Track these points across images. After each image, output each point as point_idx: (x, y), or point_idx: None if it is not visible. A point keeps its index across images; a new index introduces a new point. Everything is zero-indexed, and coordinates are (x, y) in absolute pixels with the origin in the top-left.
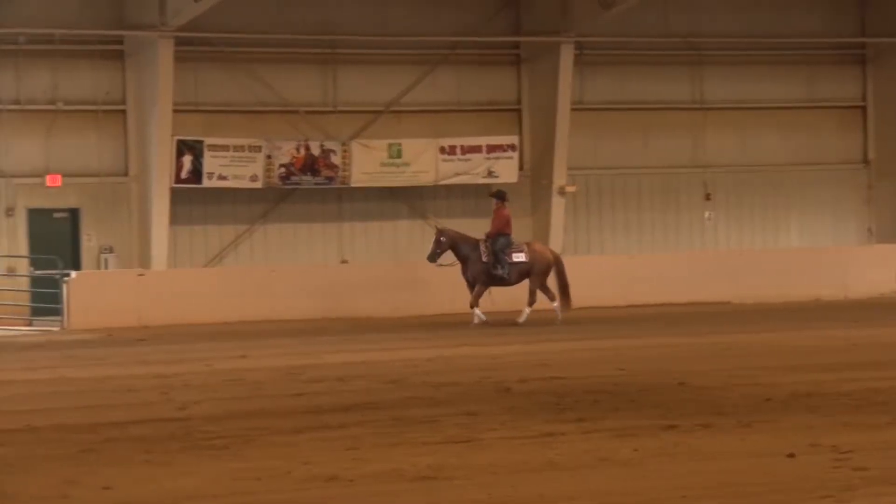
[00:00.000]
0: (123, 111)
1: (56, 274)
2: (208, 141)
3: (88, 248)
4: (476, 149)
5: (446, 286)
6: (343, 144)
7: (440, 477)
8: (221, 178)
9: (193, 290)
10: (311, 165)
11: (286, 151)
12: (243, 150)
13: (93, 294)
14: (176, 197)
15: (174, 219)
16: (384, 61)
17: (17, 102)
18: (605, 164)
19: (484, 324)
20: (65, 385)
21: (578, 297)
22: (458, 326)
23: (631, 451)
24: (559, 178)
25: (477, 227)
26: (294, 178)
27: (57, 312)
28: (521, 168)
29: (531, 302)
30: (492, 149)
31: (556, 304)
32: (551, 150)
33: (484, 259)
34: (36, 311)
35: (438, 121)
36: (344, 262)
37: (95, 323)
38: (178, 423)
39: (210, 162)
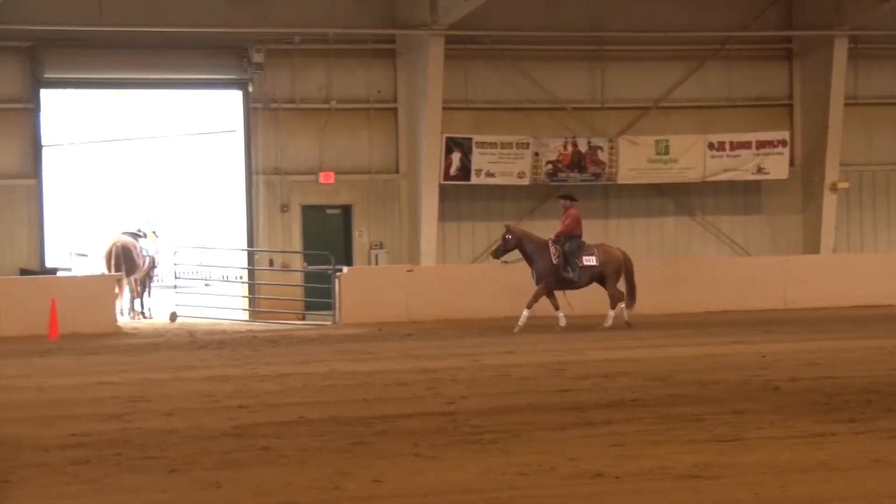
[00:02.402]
0: (394, 109)
1: (328, 269)
2: (477, 138)
3: (360, 244)
4: (745, 145)
5: (713, 283)
6: (610, 141)
7: (706, 476)
8: (489, 175)
9: (461, 285)
10: (578, 162)
11: (553, 148)
12: (511, 147)
13: (363, 289)
14: (444, 193)
15: (442, 215)
16: (652, 57)
17: (292, 101)
18: (880, 160)
19: (524, 329)
20: (337, 378)
21: (851, 295)
22: (726, 324)
23: None
24: (831, 174)
25: (746, 225)
26: (561, 175)
27: (329, 307)
28: (791, 164)
29: (614, 305)
30: (761, 145)
31: (622, 305)
32: (823, 145)
33: (554, 261)
34: (309, 306)
35: (707, 117)
36: None
37: (366, 317)
38: (446, 418)
39: (478, 159)
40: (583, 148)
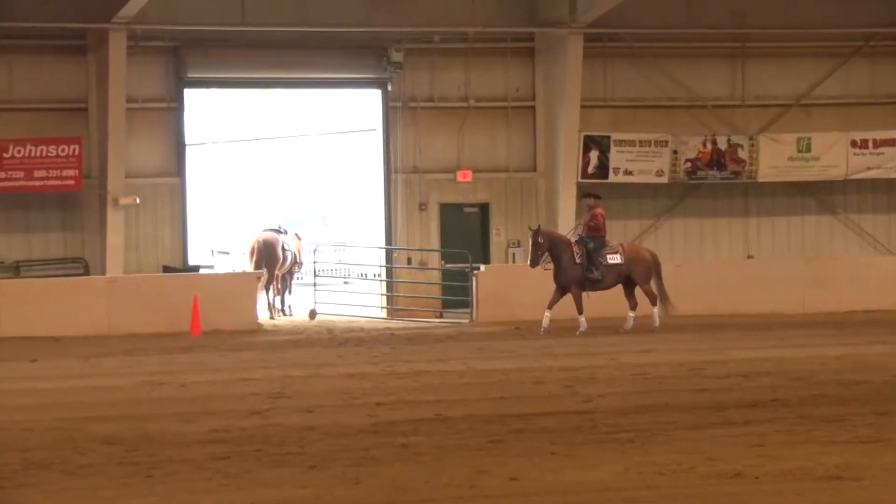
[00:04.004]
0: (532, 107)
1: (466, 267)
2: (615, 136)
3: (497, 243)
4: (889, 142)
5: (856, 282)
6: (750, 139)
7: (847, 477)
8: (627, 173)
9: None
10: (717, 160)
11: (692, 146)
12: (649, 146)
13: (500, 287)
14: (582, 192)
15: (580, 213)
16: (794, 54)
17: (430, 100)
18: None
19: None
20: (474, 376)
21: None
22: (869, 324)
23: None
24: None
25: (890, 223)
26: (700, 173)
27: (466, 305)
28: None
29: (654, 302)
30: None
31: (632, 313)
32: None
33: (577, 261)
34: (446, 304)
35: (850, 114)
36: (750, 257)
37: (503, 316)
38: (583, 416)
39: (616, 157)
40: (722, 146)
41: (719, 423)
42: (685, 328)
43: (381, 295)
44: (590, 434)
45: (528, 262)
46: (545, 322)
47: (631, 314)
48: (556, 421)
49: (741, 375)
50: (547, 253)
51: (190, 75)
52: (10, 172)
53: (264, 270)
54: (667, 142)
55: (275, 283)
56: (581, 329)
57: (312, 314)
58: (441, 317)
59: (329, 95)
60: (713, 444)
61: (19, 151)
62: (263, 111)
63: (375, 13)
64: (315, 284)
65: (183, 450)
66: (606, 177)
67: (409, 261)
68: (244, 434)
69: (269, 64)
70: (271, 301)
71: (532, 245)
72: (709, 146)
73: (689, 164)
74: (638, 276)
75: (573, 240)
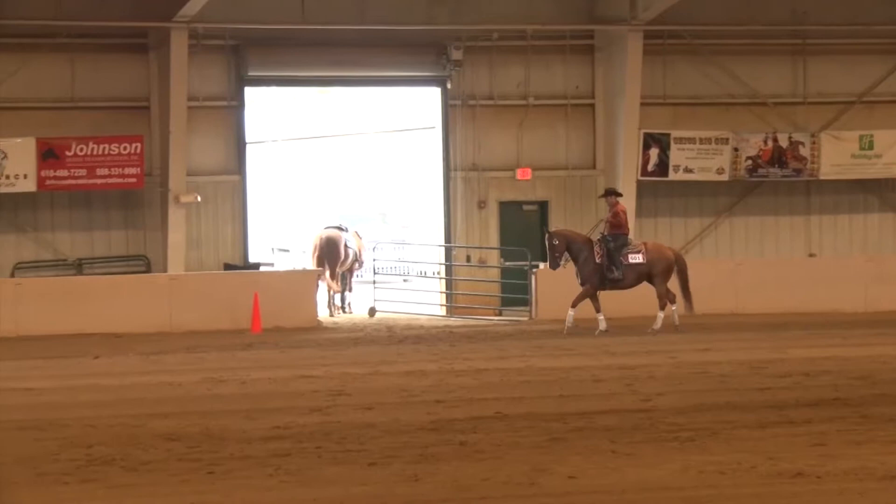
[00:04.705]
0: (592, 105)
1: (525, 265)
2: (675, 133)
3: None
4: None
5: None
6: (812, 136)
7: None
8: (687, 170)
9: None
10: (778, 157)
11: (753, 143)
12: (710, 143)
13: (559, 285)
14: (642, 189)
15: (640, 211)
16: (856, 51)
17: (490, 98)
18: None
19: (572, 331)
20: (533, 374)
21: None
22: None
23: None
24: None
25: None
26: (761, 171)
27: (525, 303)
28: None
29: (662, 306)
30: None
31: (674, 307)
32: None
33: (598, 260)
34: (505, 302)
35: None
36: (811, 255)
37: (562, 313)
38: (642, 415)
39: (676, 155)
40: (784, 143)
41: (780, 422)
42: (746, 326)
43: (441, 293)
44: (649, 432)
45: (549, 266)
46: (602, 325)
47: (673, 307)
48: (616, 419)
49: (802, 374)
50: (567, 253)
51: (250, 73)
52: (72, 170)
53: (326, 267)
54: (727, 139)
55: (336, 280)
56: (567, 324)
57: (372, 312)
58: (500, 314)
59: (388, 93)
60: (774, 444)
61: (82, 150)
62: (323, 109)
63: (435, 11)
64: (374, 282)
65: (244, 446)
66: (666, 174)
67: (469, 258)
68: (304, 431)
69: (328, 62)
70: (331, 298)
71: (549, 248)
72: (770, 143)
73: (749, 162)
74: (658, 275)
75: (595, 238)
